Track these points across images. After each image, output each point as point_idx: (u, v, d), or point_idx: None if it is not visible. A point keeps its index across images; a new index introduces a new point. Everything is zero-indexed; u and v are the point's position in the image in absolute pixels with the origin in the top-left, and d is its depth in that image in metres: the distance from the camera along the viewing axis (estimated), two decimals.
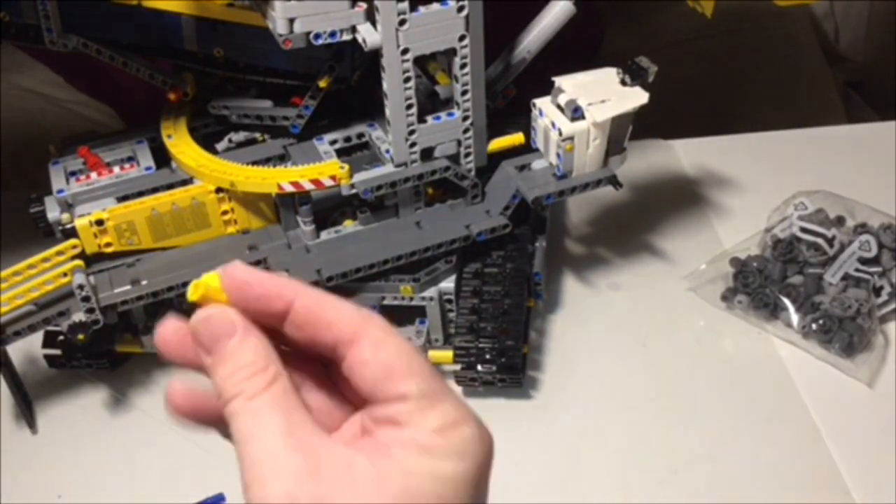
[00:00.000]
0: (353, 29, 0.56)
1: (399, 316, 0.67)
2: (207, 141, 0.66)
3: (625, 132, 0.63)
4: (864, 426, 0.64)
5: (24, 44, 0.63)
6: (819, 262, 0.71)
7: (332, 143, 0.64)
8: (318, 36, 0.56)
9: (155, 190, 0.63)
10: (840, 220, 0.74)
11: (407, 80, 0.58)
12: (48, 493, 0.63)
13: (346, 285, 0.63)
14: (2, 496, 0.62)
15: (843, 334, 0.67)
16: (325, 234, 0.65)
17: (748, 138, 0.90)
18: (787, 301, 0.70)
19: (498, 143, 0.66)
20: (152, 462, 0.64)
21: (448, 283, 0.65)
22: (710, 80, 1.15)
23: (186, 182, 0.63)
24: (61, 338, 0.66)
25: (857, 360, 0.67)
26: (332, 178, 0.60)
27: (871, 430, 0.64)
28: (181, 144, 0.64)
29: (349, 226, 0.65)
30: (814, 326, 0.68)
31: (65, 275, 0.60)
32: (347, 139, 0.65)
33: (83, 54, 0.62)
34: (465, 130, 0.62)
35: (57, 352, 0.67)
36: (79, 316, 0.60)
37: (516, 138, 0.66)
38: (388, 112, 0.59)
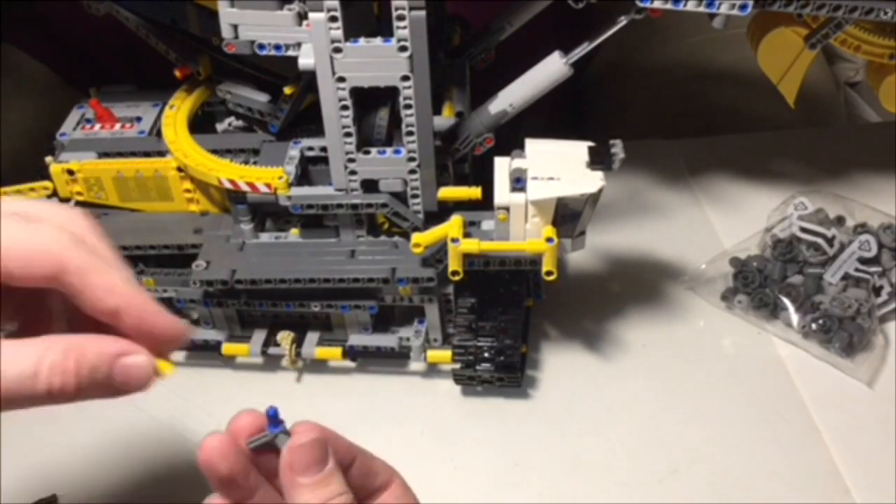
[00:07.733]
0: (300, 45, 0.54)
1: (398, 316, 0.67)
2: (211, 119, 0.66)
3: (578, 217, 0.57)
4: (864, 426, 0.64)
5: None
6: (819, 262, 0.71)
7: (309, 149, 0.62)
8: (261, 47, 0.54)
9: (133, 154, 0.64)
10: (840, 220, 0.74)
11: (344, 108, 0.55)
12: (47, 494, 0.62)
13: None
14: (1, 497, 0.62)
15: (842, 334, 0.67)
16: (265, 236, 0.64)
17: (748, 138, 0.90)
18: (786, 301, 0.70)
19: (449, 193, 0.60)
20: (151, 461, 0.64)
21: None
22: (710, 80, 1.15)
23: (163, 154, 0.64)
24: None
25: (856, 360, 0.67)
26: (268, 185, 0.59)
27: (871, 430, 0.64)
28: (174, 116, 0.64)
29: (294, 234, 0.64)
30: (814, 326, 0.68)
31: None
32: (323, 148, 0.61)
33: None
34: (412, 171, 0.58)
35: None
36: None
37: (471, 192, 0.60)
38: (326, 137, 0.57)
